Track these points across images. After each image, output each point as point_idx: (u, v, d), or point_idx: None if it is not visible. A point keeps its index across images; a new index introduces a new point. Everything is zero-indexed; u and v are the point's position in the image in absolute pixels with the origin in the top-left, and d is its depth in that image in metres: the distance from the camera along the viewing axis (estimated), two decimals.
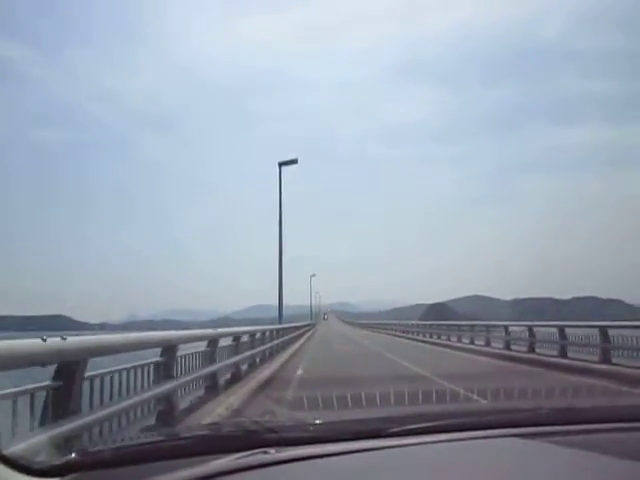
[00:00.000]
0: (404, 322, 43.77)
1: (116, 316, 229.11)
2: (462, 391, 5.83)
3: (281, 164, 25.98)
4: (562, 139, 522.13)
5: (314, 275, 76.09)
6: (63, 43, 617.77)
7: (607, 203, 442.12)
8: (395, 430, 1.43)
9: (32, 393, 3.05)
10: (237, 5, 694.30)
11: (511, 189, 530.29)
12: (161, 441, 1.48)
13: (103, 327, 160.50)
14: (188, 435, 1.54)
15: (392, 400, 4.14)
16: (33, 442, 2.54)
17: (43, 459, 1.43)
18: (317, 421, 1.60)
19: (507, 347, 16.13)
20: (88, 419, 3.48)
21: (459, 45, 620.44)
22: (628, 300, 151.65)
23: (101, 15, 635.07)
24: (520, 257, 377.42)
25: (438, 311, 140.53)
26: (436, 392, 4.99)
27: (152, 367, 5.23)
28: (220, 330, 8.51)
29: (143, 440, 1.58)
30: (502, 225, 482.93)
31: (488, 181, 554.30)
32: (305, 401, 4.17)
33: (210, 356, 7.47)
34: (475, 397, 5.30)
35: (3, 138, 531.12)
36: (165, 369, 5.46)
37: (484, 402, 4.90)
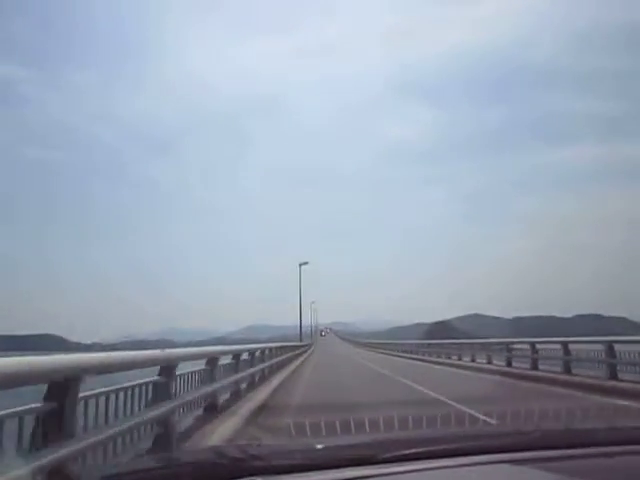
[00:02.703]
0: (414, 342, 41.74)
1: (110, 336, 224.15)
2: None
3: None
4: (558, 157, 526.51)
5: (305, 263, 46.66)
6: (63, 64, 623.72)
7: (608, 219, 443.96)
8: (388, 456, 1.40)
9: (21, 417, 2.89)
10: (235, 31, 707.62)
11: (510, 207, 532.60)
12: (141, 470, 1.47)
13: (95, 347, 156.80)
14: (168, 464, 1.49)
15: (381, 425, 3.91)
16: (24, 471, 2.46)
17: None
18: (306, 447, 1.56)
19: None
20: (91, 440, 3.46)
21: (451, 67, 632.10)
22: (632, 318, 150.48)
23: (102, 37, 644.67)
24: (521, 275, 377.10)
25: (440, 330, 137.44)
26: (426, 417, 4.69)
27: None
28: None
29: (123, 469, 1.58)
30: (502, 243, 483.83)
31: (487, 199, 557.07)
32: (292, 427, 4.04)
33: None
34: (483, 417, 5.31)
35: (1, 158, 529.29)
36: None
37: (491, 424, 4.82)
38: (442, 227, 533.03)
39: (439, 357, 25.71)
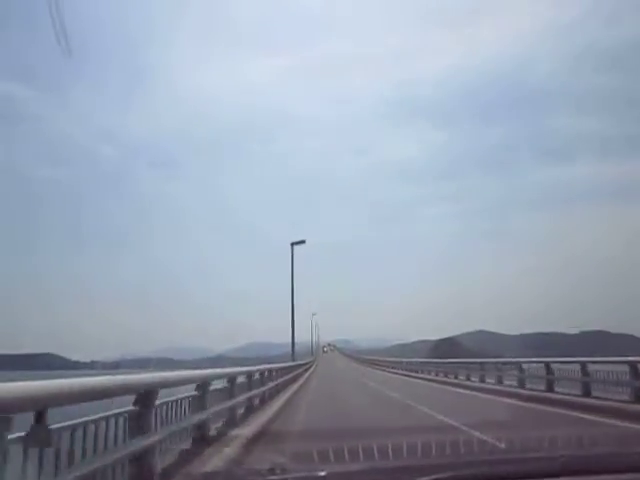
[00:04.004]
0: (433, 360, 38.01)
1: (110, 354, 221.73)
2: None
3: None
4: (561, 175, 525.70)
5: (301, 242, 32.23)
6: (65, 82, 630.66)
7: (617, 236, 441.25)
8: None
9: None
10: (238, 49, 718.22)
11: (514, 225, 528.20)
12: None
13: (95, 366, 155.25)
14: None
15: (404, 451, 3.76)
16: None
17: None
18: (330, 472, 1.55)
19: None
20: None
21: (456, 86, 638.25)
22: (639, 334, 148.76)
23: (104, 55, 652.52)
24: (526, 291, 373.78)
25: (447, 347, 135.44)
26: (450, 442, 4.49)
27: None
28: None
29: None
30: (507, 260, 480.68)
31: (490, 217, 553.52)
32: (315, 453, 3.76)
33: None
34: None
35: (5, 176, 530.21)
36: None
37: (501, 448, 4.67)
38: (445, 244, 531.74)
39: (456, 378, 23.75)
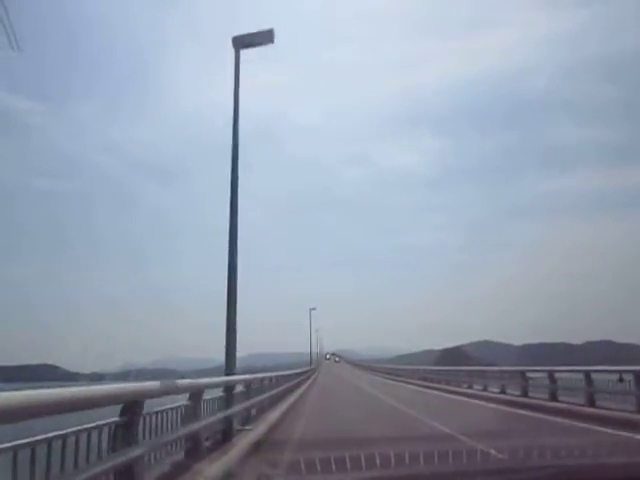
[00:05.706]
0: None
1: (109, 365, 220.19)
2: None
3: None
4: (562, 184, 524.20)
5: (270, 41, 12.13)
6: (68, 96, 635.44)
7: (617, 245, 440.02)
8: None
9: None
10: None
11: (518, 235, 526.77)
12: None
13: (93, 378, 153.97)
14: None
15: (407, 460, 3.70)
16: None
17: None
18: None
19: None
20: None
21: (453, 97, 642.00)
22: None
23: (106, 69, 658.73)
24: (529, 302, 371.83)
25: (454, 356, 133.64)
26: (453, 451, 4.38)
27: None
28: None
29: None
30: (508, 270, 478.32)
31: (491, 226, 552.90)
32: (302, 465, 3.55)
33: None
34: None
35: (7, 188, 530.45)
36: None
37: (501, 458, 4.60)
38: (447, 253, 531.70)
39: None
